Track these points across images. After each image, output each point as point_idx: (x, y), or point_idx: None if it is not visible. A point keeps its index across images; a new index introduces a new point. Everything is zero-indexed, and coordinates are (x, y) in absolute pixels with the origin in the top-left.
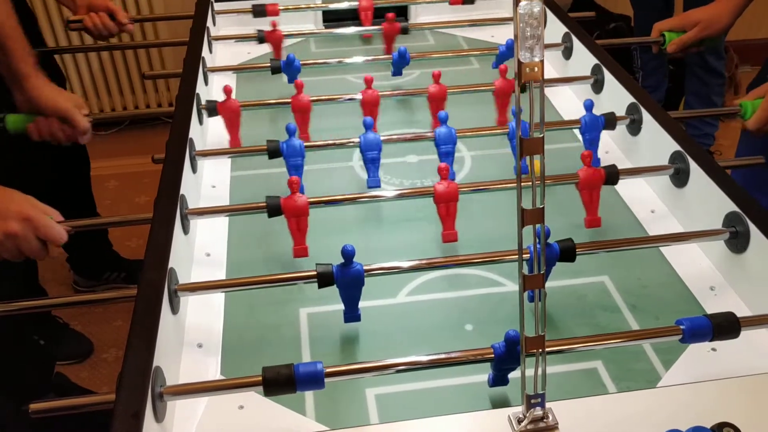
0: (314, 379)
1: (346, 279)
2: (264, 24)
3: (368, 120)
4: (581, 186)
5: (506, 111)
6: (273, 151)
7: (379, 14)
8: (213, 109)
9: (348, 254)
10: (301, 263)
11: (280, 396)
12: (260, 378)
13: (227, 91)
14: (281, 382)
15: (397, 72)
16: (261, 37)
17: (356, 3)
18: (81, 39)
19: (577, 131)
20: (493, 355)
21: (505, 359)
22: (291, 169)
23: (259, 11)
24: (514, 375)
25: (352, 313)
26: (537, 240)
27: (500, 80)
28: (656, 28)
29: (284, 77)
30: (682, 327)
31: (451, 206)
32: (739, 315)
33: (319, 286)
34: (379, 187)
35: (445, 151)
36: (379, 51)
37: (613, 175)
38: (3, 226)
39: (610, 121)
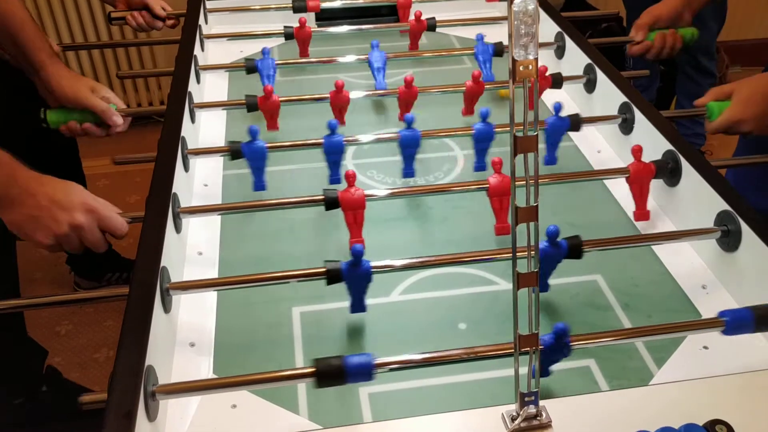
0: (365, 371)
1: (355, 276)
2: (281, 20)
3: (409, 116)
4: (632, 180)
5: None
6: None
7: (373, 13)
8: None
9: (357, 254)
10: (293, 263)
11: (273, 395)
12: (255, 376)
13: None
14: (333, 374)
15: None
16: (288, 33)
17: (349, 2)
18: (71, 37)
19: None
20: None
21: (552, 351)
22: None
23: (299, 7)
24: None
25: (359, 306)
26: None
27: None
28: (635, 31)
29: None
30: (725, 319)
31: (504, 200)
32: None
33: (328, 283)
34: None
35: (409, 153)
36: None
37: (662, 169)
38: (68, 218)
39: (575, 122)
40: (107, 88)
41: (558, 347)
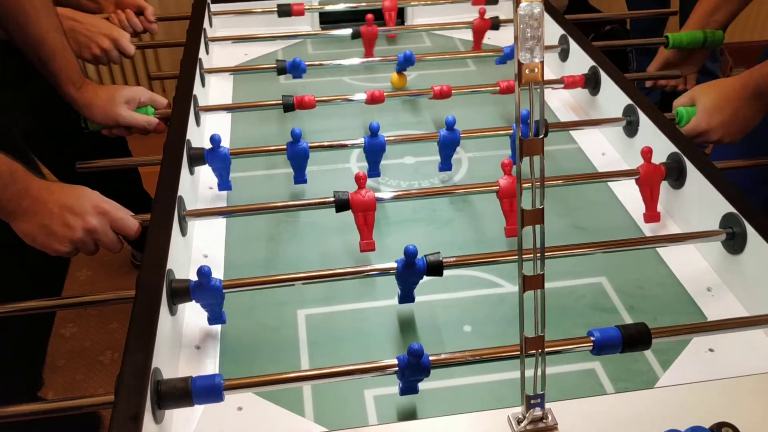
0: (212, 392)
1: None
2: (286, 24)
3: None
4: (642, 182)
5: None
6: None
7: (376, 16)
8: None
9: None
10: (298, 265)
11: (279, 397)
12: (261, 378)
13: None
14: (177, 396)
15: (402, 70)
16: (355, 32)
17: (353, 4)
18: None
19: (572, 133)
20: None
21: (411, 371)
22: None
23: (284, 11)
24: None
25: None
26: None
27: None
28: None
29: (280, 79)
30: (592, 338)
31: (514, 202)
32: (735, 316)
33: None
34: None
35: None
36: (377, 53)
37: (674, 171)
38: (82, 223)
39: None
40: (143, 89)
41: (416, 367)
